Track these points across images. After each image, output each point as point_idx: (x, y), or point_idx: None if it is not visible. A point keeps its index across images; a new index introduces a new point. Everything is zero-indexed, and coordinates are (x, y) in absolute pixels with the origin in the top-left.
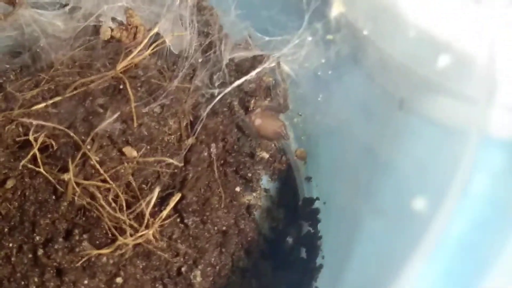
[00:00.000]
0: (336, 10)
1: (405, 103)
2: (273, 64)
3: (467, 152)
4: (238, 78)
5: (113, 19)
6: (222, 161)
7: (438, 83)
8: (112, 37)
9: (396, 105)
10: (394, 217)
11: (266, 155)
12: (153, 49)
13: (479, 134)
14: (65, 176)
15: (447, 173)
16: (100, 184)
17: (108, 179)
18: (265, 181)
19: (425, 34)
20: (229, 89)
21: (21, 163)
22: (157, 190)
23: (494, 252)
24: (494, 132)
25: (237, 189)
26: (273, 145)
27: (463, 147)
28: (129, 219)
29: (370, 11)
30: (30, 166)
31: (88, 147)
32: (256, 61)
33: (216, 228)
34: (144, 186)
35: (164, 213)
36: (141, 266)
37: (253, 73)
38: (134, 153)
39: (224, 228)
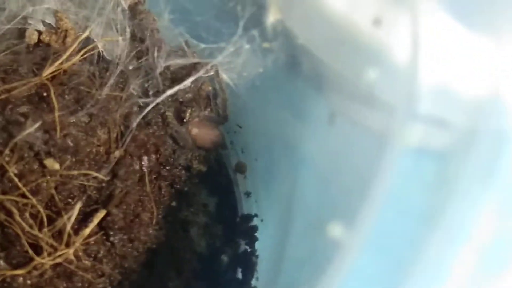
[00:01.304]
0: (272, 17)
1: (337, 113)
2: (211, 73)
3: (387, 160)
4: (173, 87)
5: (43, 22)
6: (155, 175)
7: (367, 91)
8: (40, 41)
9: (329, 115)
10: (319, 232)
11: (204, 168)
12: (83, 54)
13: (399, 142)
14: None
15: (371, 181)
16: (18, 199)
17: (27, 193)
18: (204, 196)
19: (355, 41)
20: (161, 98)
21: None
22: (78, 206)
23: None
24: (414, 142)
25: (173, 204)
26: (211, 157)
27: (384, 155)
28: (50, 237)
29: (304, 17)
30: None
31: (7, 158)
32: (192, 69)
33: (145, 246)
34: (69, 200)
35: (87, 231)
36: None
37: (187, 82)
38: (57, 166)
39: (154, 246)
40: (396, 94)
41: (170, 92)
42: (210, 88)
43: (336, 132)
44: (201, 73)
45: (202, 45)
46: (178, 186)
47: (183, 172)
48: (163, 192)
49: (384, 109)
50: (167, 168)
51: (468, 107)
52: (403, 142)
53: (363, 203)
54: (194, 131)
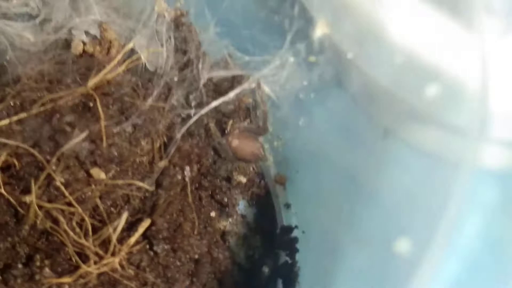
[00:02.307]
0: (320, 31)
1: (390, 132)
2: (253, 85)
3: (458, 186)
4: (216, 99)
5: (87, 33)
6: (196, 185)
7: (426, 112)
8: (84, 51)
9: (381, 133)
10: (378, 251)
11: (243, 179)
12: (127, 65)
13: (471, 167)
14: (27, 198)
15: (436, 208)
16: (64, 207)
17: (73, 202)
18: (242, 207)
19: (413, 60)
20: (205, 110)
21: None
22: (125, 215)
23: None
24: (487, 166)
25: (212, 214)
26: (251, 168)
27: (454, 180)
28: (95, 245)
29: (355, 34)
30: None
31: (53, 167)
32: (235, 81)
33: (187, 256)
34: (112, 210)
35: (132, 240)
36: None
37: (231, 94)
38: (102, 175)
39: (196, 256)
40: (465, 116)
41: (214, 104)
42: (250, 100)
43: (389, 151)
44: (244, 85)
45: (247, 58)
46: (218, 196)
47: (223, 182)
48: (203, 202)
49: (449, 130)
50: (208, 178)
51: None
52: (475, 165)
53: (430, 225)
54: (235, 142)
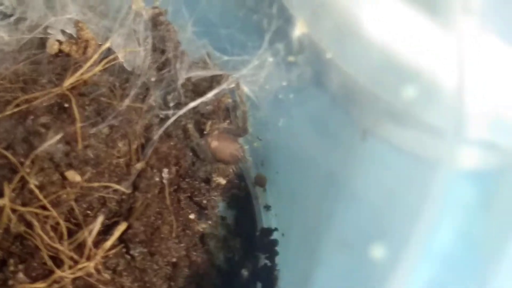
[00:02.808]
0: (299, 30)
1: (369, 131)
2: (232, 85)
3: (435, 186)
4: (195, 99)
5: (63, 32)
6: (175, 187)
7: (404, 111)
8: (60, 51)
9: (360, 133)
10: (357, 253)
11: (223, 181)
12: (104, 65)
13: (447, 167)
14: (0, 201)
15: (414, 209)
16: (38, 211)
17: (47, 205)
18: (222, 209)
19: (391, 59)
20: (184, 110)
21: None
22: (100, 218)
23: None
24: (464, 166)
25: (191, 216)
26: (231, 170)
27: (430, 181)
28: (70, 250)
29: (334, 33)
30: None
31: (27, 170)
32: (214, 81)
33: (165, 260)
34: (88, 213)
35: (108, 244)
36: None
37: (209, 95)
38: (78, 178)
39: (174, 259)
40: (441, 116)
41: (192, 104)
42: (229, 100)
43: (369, 151)
44: (223, 86)
45: (226, 57)
46: (197, 198)
47: (202, 184)
48: (182, 204)
49: (426, 130)
50: (187, 180)
51: None
52: (451, 165)
53: (406, 227)
54: (214, 143)
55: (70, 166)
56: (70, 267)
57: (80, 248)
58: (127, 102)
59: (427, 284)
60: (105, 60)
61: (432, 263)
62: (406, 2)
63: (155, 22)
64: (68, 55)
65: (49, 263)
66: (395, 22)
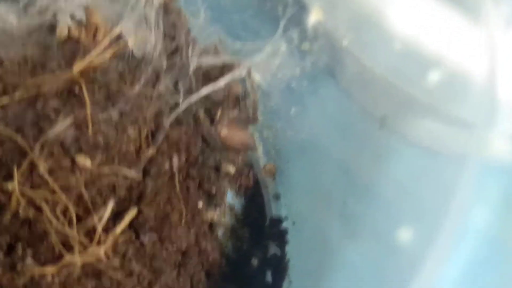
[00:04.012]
0: (314, 17)
1: (387, 121)
2: (243, 73)
3: (462, 181)
4: (206, 86)
5: (72, 17)
6: (184, 175)
7: (426, 102)
8: (70, 36)
9: (376, 124)
10: (372, 246)
11: (232, 170)
12: (114, 50)
13: (476, 161)
14: (9, 185)
15: (438, 203)
16: (47, 195)
17: (57, 189)
18: (231, 197)
19: (413, 48)
20: (195, 97)
21: None
22: (111, 204)
23: None
24: (493, 159)
25: (200, 204)
26: (240, 158)
27: (458, 175)
28: (79, 235)
29: (351, 20)
30: None
31: (37, 154)
32: (225, 68)
33: (175, 247)
34: (98, 198)
35: (118, 229)
36: (90, 287)
37: (221, 82)
38: (88, 163)
39: (183, 247)
40: (471, 109)
41: (204, 91)
42: (240, 88)
43: (385, 144)
44: (235, 73)
45: (238, 44)
46: (206, 186)
47: (212, 172)
48: (191, 192)
49: (453, 123)
50: (196, 168)
51: None
52: (480, 159)
53: (428, 219)
54: (224, 131)
55: (80, 151)
56: (80, 252)
57: (89, 234)
58: (137, 88)
59: (453, 279)
60: (115, 46)
61: (459, 258)
62: None
63: (167, 9)
64: (77, 40)
65: (59, 247)
66: (417, 9)
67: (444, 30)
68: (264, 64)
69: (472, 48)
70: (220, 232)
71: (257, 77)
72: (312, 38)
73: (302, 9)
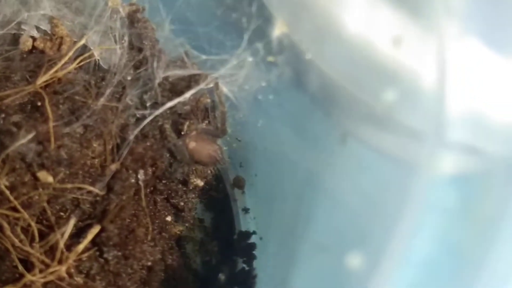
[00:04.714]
0: (278, 30)
1: (349, 134)
2: (210, 85)
3: (414, 190)
4: (172, 99)
5: (37, 28)
6: (151, 189)
7: (385, 113)
8: (34, 47)
9: (340, 135)
10: (335, 258)
11: (200, 183)
12: (79, 62)
13: (427, 171)
14: None
15: (393, 213)
16: (8, 212)
17: (18, 206)
18: (200, 211)
19: (372, 61)
20: (160, 110)
21: None
22: (72, 221)
23: None
24: (444, 170)
25: (168, 219)
26: (209, 171)
27: (411, 184)
28: (41, 252)
29: (314, 33)
30: None
31: None
32: (192, 80)
33: (140, 263)
34: (61, 214)
35: (80, 247)
36: None
37: (187, 94)
38: (50, 179)
39: (149, 263)
40: (422, 119)
41: (170, 104)
42: (208, 100)
43: (348, 154)
44: (201, 85)
45: (204, 57)
46: (174, 200)
47: (179, 186)
48: (158, 206)
49: (406, 133)
50: (163, 182)
51: (502, 135)
52: (431, 169)
53: (385, 233)
54: (192, 144)
55: (42, 166)
56: (41, 271)
57: (52, 251)
58: (102, 101)
59: None
60: (80, 58)
61: (411, 269)
62: (388, 3)
63: (132, 19)
64: (42, 52)
65: (20, 266)
66: (377, 24)
67: (400, 42)
68: (231, 77)
69: (425, 60)
70: (188, 246)
71: (224, 89)
72: (277, 50)
73: (266, 21)
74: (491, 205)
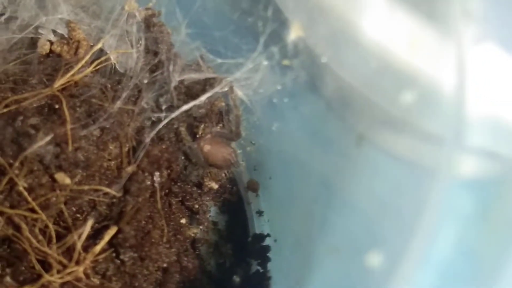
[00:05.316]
0: (294, 34)
1: (365, 137)
2: (226, 89)
3: (432, 195)
4: (187, 102)
5: (54, 32)
6: (166, 191)
7: (401, 117)
8: (51, 51)
9: (355, 139)
10: (351, 261)
11: (215, 186)
12: (95, 66)
13: (446, 176)
14: None
15: (410, 217)
16: (26, 213)
17: (36, 208)
18: (214, 213)
19: (389, 64)
20: (176, 113)
21: None
22: (90, 222)
23: None
24: (463, 174)
25: (183, 221)
26: (223, 174)
27: (428, 189)
28: (59, 253)
29: (330, 37)
30: None
31: (16, 171)
32: (207, 84)
33: (155, 265)
34: (78, 216)
35: (97, 248)
36: None
37: (202, 98)
38: (68, 180)
39: (164, 265)
40: (439, 123)
41: (185, 107)
42: (223, 104)
43: (364, 158)
44: (217, 89)
45: (219, 60)
46: (188, 203)
47: (194, 189)
48: (173, 209)
49: (423, 137)
50: (178, 184)
51: None
52: (449, 174)
53: (402, 236)
54: (206, 147)
55: (60, 168)
56: (59, 271)
57: (69, 252)
58: (118, 104)
59: None
60: (97, 61)
61: (429, 273)
62: (405, 7)
63: (148, 24)
64: (59, 55)
65: (37, 267)
66: (393, 28)
67: (418, 46)
68: (246, 80)
69: (443, 64)
70: (203, 248)
71: (239, 93)
72: (292, 54)
73: (282, 25)
74: (508, 209)
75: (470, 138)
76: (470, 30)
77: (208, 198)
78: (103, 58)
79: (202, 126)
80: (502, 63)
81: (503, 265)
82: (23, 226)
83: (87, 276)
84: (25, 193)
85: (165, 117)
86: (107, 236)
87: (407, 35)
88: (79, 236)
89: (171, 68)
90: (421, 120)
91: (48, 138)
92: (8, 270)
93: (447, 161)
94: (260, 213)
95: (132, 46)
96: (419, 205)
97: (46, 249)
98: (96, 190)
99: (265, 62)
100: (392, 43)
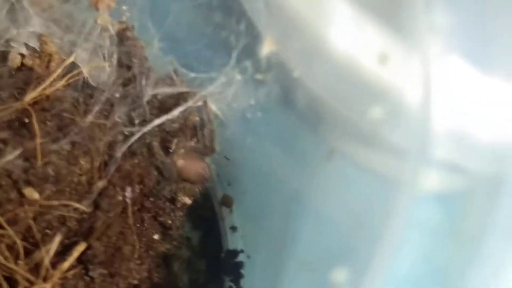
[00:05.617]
0: (267, 48)
1: (336, 151)
2: (199, 103)
3: (399, 207)
4: (160, 116)
5: (26, 45)
6: (138, 206)
7: (370, 131)
8: (23, 64)
9: (326, 153)
10: (321, 277)
11: (188, 201)
12: (67, 80)
13: (412, 189)
14: None
15: (379, 229)
16: None
17: (4, 223)
18: (187, 229)
19: (358, 79)
20: (148, 128)
21: None
22: (58, 238)
23: None
24: (428, 188)
25: (155, 237)
26: (197, 189)
27: (395, 202)
28: (26, 270)
29: (303, 52)
30: None
31: None
32: (181, 98)
33: (126, 281)
34: (47, 231)
35: (66, 265)
36: None
37: (175, 112)
38: (36, 195)
39: (135, 281)
40: (406, 136)
41: (157, 121)
42: (197, 118)
43: (335, 171)
44: (190, 103)
45: (192, 74)
46: (161, 218)
47: (167, 204)
48: (145, 224)
49: (391, 150)
50: (151, 199)
51: (486, 153)
52: (415, 187)
53: (369, 249)
54: (180, 162)
55: (28, 183)
56: None
57: (37, 268)
58: (90, 118)
59: None
60: (69, 75)
61: (394, 285)
62: (375, 22)
63: (121, 37)
64: (30, 69)
65: (4, 284)
66: (363, 43)
67: (387, 60)
68: (219, 94)
69: (411, 78)
70: (176, 265)
71: (213, 107)
72: (265, 68)
73: (255, 40)
74: (473, 223)
75: (435, 152)
76: (435, 43)
77: (181, 214)
78: (75, 72)
79: (176, 140)
80: (467, 76)
81: (469, 279)
82: None
83: None
84: None
85: (138, 132)
86: (76, 252)
87: (377, 50)
88: (47, 252)
89: (144, 82)
90: (389, 133)
91: (17, 152)
92: None
93: (413, 175)
94: (234, 228)
95: (105, 59)
96: (386, 218)
97: (12, 265)
98: (66, 206)
99: (238, 77)
100: (362, 58)
